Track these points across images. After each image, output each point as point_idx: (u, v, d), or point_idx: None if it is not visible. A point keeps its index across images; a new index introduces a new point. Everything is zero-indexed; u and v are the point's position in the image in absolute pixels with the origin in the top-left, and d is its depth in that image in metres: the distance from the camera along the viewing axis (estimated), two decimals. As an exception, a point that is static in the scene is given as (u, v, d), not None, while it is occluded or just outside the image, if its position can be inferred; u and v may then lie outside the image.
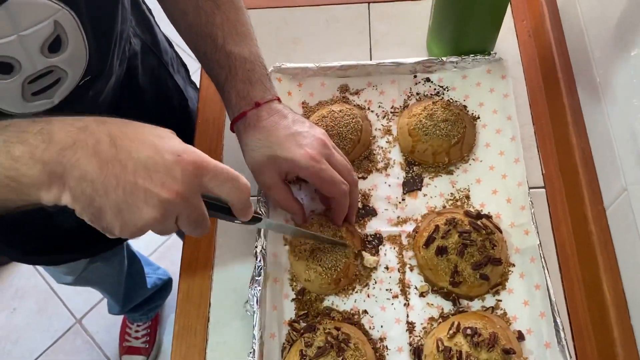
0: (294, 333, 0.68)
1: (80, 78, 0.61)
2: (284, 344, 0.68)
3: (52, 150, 0.46)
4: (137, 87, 0.82)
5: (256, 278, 0.69)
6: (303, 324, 0.69)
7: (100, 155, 0.47)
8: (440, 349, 0.63)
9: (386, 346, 0.68)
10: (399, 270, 0.72)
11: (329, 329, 0.66)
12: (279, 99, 0.70)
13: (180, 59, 1.02)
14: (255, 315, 0.66)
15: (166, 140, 0.51)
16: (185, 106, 0.98)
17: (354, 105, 0.81)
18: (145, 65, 0.85)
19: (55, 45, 0.54)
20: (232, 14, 0.70)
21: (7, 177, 0.46)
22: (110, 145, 0.48)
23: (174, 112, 0.96)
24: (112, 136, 0.49)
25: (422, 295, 0.70)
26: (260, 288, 0.68)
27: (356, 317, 0.70)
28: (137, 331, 1.64)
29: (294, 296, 0.71)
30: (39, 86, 0.56)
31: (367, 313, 0.70)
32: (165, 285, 1.60)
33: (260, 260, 0.69)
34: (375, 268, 0.72)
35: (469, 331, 0.63)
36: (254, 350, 0.65)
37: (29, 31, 0.51)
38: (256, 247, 0.71)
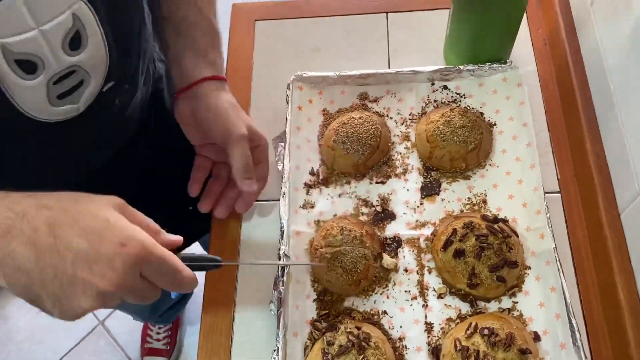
0: (316, 332, 0.71)
1: (103, 82, 0.61)
2: (306, 342, 0.71)
3: None
4: (163, 110, 0.84)
5: (279, 279, 0.72)
6: (324, 324, 0.71)
7: (37, 245, 0.45)
8: (458, 348, 0.65)
9: (405, 346, 0.70)
10: (417, 273, 0.74)
11: (350, 328, 0.68)
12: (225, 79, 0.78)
13: None
14: (279, 315, 0.69)
15: (111, 225, 0.48)
16: None
17: (373, 112, 0.84)
18: (170, 90, 0.87)
19: (75, 42, 0.54)
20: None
21: None
22: (48, 234, 0.46)
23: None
24: (51, 224, 0.46)
25: (440, 296, 0.72)
26: (283, 289, 0.70)
27: (376, 317, 0.72)
28: (158, 333, 1.67)
29: (316, 297, 0.73)
30: (64, 88, 0.56)
31: (387, 314, 0.72)
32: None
33: (283, 259, 0.72)
34: (394, 270, 0.74)
35: (486, 331, 0.65)
36: (278, 348, 0.68)
37: (49, 25, 0.50)
38: (279, 249, 0.73)
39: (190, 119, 0.76)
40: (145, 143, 0.80)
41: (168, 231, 0.57)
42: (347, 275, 0.71)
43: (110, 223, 0.48)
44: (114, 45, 0.59)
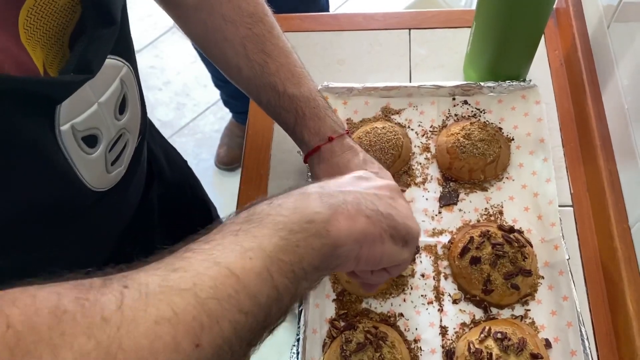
0: (335, 330, 0.74)
1: (137, 138, 0.62)
2: (325, 339, 0.74)
3: None
4: (154, 155, 0.83)
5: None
6: (343, 323, 0.74)
7: None
8: (471, 351, 0.68)
9: (420, 347, 0.73)
10: (434, 278, 0.77)
11: (368, 327, 0.71)
12: (348, 132, 0.73)
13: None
14: (300, 312, 0.72)
15: None
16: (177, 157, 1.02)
17: (395, 123, 0.87)
18: (153, 133, 0.88)
19: (122, 106, 0.55)
20: (282, 59, 0.72)
21: None
22: None
23: (186, 180, 0.98)
24: None
25: (455, 302, 0.75)
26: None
27: (392, 319, 0.75)
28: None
29: (335, 296, 0.76)
30: (115, 153, 0.56)
31: (403, 316, 0.75)
32: None
33: None
34: (410, 275, 0.77)
35: (499, 335, 0.68)
36: (297, 344, 0.71)
37: (105, 96, 0.51)
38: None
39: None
40: (155, 195, 0.80)
41: None
42: None
43: None
44: (140, 98, 0.60)
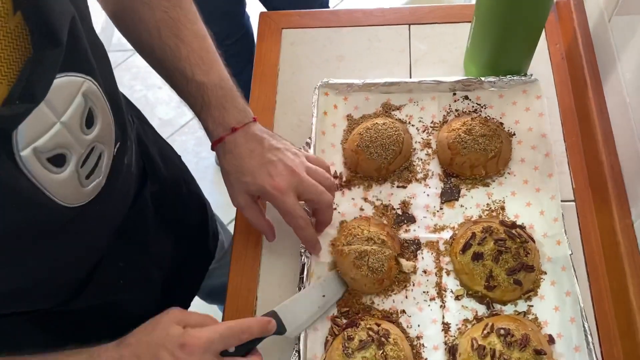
0: (337, 327, 0.73)
1: (114, 146, 0.61)
2: (327, 337, 0.73)
3: None
4: (148, 155, 0.82)
5: (301, 275, 0.75)
6: (345, 320, 0.74)
7: None
8: (474, 347, 0.68)
9: (423, 344, 0.72)
10: (436, 274, 0.76)
11: (370, 324, 0.71)
12: (255, 119, 0.75)
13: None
14: None
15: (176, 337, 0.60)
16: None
17: (396, 119, 0.87)
18: (147, 133, 0.87)
19: (89, 120, 0.54)
20: (195, 44, 0.73)
21: None
22: None
23: (181, 176, 0.98)
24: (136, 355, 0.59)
25: (457, 298, 0.75)
26: (304, 285, 0.73)
27: (394, 316, 0.74)
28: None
29: (337, 294, 0.76)
30: (89, 167, 0.55)
31: (405, 313, 0.74)
32: None
33: (304, 259, 0.75)
34: (413, 272, 0.77)
35: (502, 331, 0.68)
36: (299, 342, 0.70)
37: (67, 115, 0.49)
38: (302, 247, 0.76)
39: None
40: (147, 193, 0.80)
41: None
42: (372, 274, 0.73)
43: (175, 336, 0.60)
44: (114, 110, 0.59)
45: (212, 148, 0.76)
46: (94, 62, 0.53)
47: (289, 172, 0.72)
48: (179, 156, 0.98)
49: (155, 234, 0.80)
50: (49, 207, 0.51)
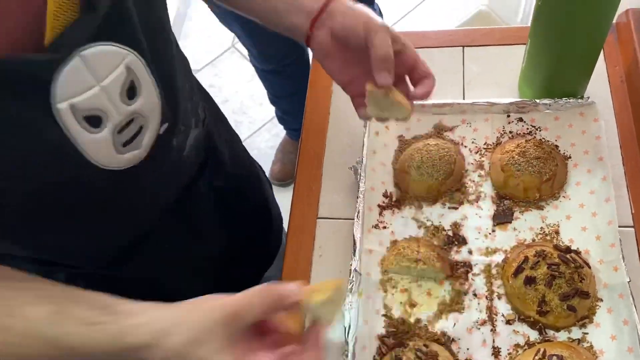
0: (384, 347, 0.73)
1: (159, 125, 0.63)
2: (374, 356, 0.73)
3: None
4: (216, 151, 0.86)
5: (349, 294, 0.75)
6: (392, 340, 0.74)
7: None
8: (526, 373, 0.66)
9: (472, 368, 0.71)
10: (487, 298, 0.75)
11: (419, 345, 0.70)
12: None
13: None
14: (348, 328, 0.72)
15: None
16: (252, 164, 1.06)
17: (448, 140, 0.87)
18: (221, 132, 0.91)
19: (131, 91, 0.57)
20: None
21: None
22: None
23: (248, 179, 1.01)
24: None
25: (508, 322, 0.73)
26: (353, 303, 0.74)
27: (443, 338, 0.74)
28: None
29: (384, 312, 0.76)
30: (127, 136, 0.59)
31: (455, 335, 0.74)
32: None
33: (353, 278, 0.76)
34: (464, 294, 0.76)
35: (554, 358, 0.66)
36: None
37: (107, 80, 0.53)
38: (351, 264, 0.77)
39: (330, 46, 0.73)
40: (205, 183, 0.83)
41: None
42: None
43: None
44: (162, 87, 0.62)
45: (312, 28, 0.72)
46: (144, 41, 0.57)
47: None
48: (253, 163, 1.04)
49: (210, 225, 0.83)
50: (81, 163, 0.55)
